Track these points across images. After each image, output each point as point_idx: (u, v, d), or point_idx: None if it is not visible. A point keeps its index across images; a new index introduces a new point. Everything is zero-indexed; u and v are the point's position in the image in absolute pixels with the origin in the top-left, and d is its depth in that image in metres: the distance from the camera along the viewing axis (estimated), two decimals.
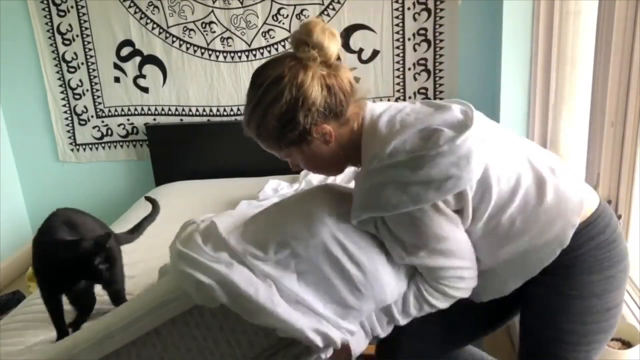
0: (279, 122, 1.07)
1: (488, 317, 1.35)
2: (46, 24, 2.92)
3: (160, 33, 2.86)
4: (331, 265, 1.12)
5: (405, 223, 1.06)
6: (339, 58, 1.11)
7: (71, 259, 1.37)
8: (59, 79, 3.01)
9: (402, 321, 1.17)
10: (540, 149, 1.18)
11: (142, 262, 1.86)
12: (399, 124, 1.08)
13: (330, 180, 2.08)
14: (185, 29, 2.84)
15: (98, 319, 1.45)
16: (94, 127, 3.08)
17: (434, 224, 1.06)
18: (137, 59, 2.92)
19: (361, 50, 2.75)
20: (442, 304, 1.14)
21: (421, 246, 1.08)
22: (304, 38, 1.07)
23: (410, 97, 2.79)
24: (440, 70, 2.75)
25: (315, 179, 2.56)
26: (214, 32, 2.82)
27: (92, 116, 3.06)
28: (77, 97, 3.04)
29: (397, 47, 2.74)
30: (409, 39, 2.72)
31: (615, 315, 1.13)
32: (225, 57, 2.86)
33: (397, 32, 2.71)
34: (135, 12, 2.85)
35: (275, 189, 2.53)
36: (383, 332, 1.19)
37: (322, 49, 1.07)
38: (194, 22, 2.82)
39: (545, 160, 1.12)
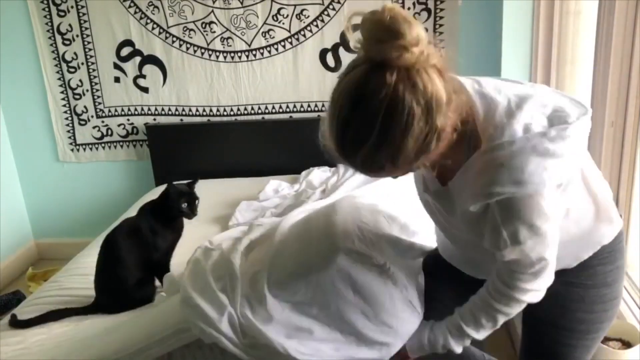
0: (417, 142, 0.86)
1: None
2: (46, 24, 2.92)
3: (160, 33, 2.86)
4: (339, 295, 1.22)
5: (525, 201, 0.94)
6: None
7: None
8: (59, 79, 3.01)
9: (476, 334, 1.12)
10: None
11: None
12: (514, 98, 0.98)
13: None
14: (185, 29, 2.84)
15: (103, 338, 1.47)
16: (94, 127, 3.08)
17: (551, 204, 0.95)
18: (137, 59, 2.92)
19: None
20: (513, 308, 1.07)
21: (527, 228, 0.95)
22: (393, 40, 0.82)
23: None
24: None
25: (317, 179, 2.56)
26: (214, 32, 2.82)
27: (92, 116, 3.06)
28: (77, 97, 3.04)
29: None
30: None
31: (618, 304, 1.17)
32: (225, 57, 2.86)
33: None
34: (135, 12, 2.85)
35: (276, 189, 2.53)
36: (456, 347, 1.15)
37: (414, 41, 0.82)
38: (194, 22, 2.82)
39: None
